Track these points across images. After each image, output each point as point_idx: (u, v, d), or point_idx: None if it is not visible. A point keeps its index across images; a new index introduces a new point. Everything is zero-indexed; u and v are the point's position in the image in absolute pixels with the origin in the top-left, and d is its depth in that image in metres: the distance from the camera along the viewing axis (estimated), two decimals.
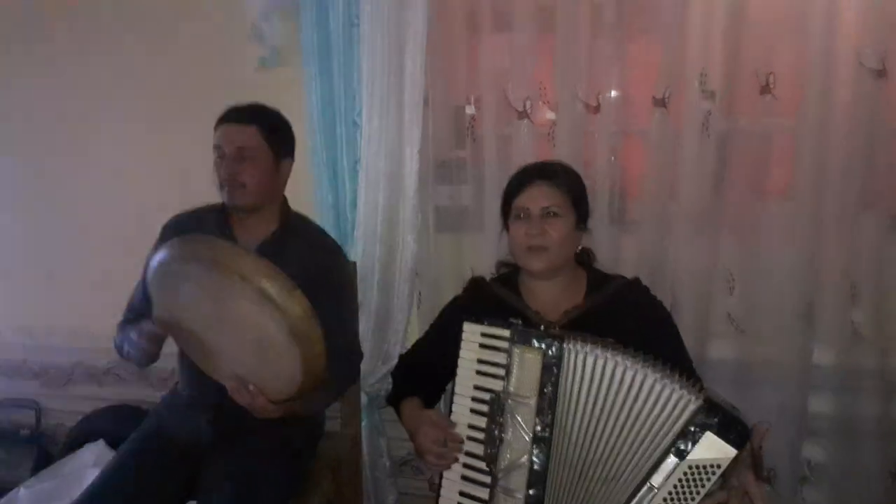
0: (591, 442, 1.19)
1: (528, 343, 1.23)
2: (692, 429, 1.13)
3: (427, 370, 1.51)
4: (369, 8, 1.84)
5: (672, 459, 1.14)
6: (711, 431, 1.12)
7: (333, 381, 1.58)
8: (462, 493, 1.28)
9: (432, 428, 1.31)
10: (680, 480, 1.13)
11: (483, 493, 1.25)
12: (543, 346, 1.22)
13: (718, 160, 1.81)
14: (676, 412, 1.14)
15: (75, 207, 2.38)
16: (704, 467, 1.12)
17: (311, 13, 1.90)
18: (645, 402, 1.16)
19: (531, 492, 1.20)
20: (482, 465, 1.25)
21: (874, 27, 1.67)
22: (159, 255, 1.37)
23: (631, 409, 1.17)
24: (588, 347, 1.19)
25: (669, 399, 1.15)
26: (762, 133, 1.79)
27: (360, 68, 1.88)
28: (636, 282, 1.52)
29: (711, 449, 1.12)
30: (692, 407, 1.14)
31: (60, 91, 2.33)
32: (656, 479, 1.15)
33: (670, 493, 1.14)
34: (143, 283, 1.66)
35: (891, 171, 1.75)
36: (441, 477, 1.31)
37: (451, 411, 1.31)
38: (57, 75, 2.32)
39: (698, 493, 1.13)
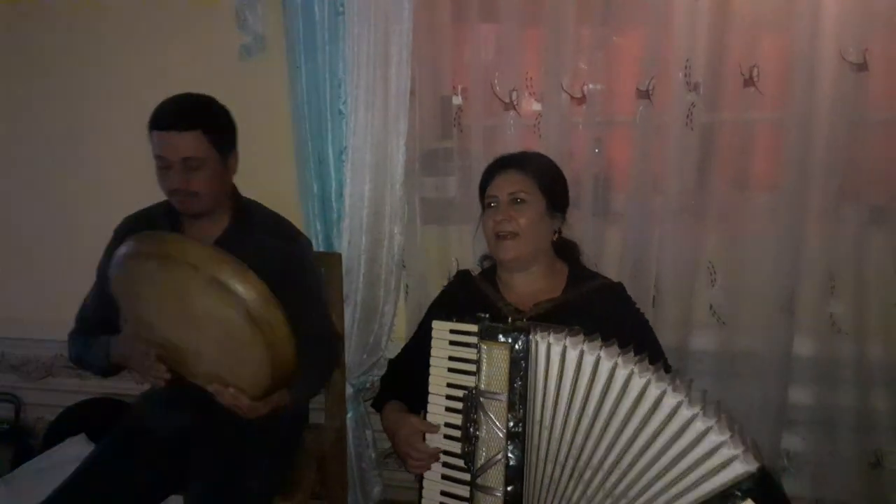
0: (574, 437, 1.12)
1: (494, 338, 1.21)
2: (737, 493, 0.99)
3: (413, 373, 1.48)
4: None
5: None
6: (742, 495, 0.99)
7: (313, 367, 1.56)
8: (444, 493, 1.28)
9: (411, 430, 1.31)
10: None
11: (464, 492, 1.25)
12: (510, 339, 1.19)
13: (702, 152, 1.82)
14: (718, 461, 1.00)
15: (56, 200, 2.34)
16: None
17: (296, 0, 1.88)
18: (666, 423, 1.04)
19: (509, 488, 1.19)
20: (460, 463, 1.25)
21: (855, 22, 1.69)
22: (115, 262, 1.34)
23: (643, 422, 1.06)
24: (556, 338, 1.14)
25: (714, 449, 1.00)
26: (745, 125, 1.80)
27: (346, 57, 1.86)
28: (618, 286, 1.51)
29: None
30: (740, 468, 0.99)
31: (47, 85, 2.29)
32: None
33: None
34: (97, 291, 1.63)
35: (871, 163, 1.77)
36: (422, 478, 1.31)
37: (426, 411, 1.30)
38: (42, 70, 2.28)
39: None
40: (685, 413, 1.03)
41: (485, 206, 1.51)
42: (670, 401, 1.04)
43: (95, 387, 2.38)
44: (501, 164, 1.51)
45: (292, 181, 1.99)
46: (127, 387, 2.31)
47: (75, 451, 2.08)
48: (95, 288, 1.65)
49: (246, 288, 1.22)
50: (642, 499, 1.07)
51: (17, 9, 2.26)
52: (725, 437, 1.00)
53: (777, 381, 1.86)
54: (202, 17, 2.11)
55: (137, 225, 1.64)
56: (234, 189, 1.64)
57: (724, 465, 1.00)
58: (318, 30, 1.87)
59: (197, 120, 1.47)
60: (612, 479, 1.10)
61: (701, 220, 1.87)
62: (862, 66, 1.70)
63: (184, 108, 1.49)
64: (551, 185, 1.48)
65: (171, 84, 2.12)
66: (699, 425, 1.02)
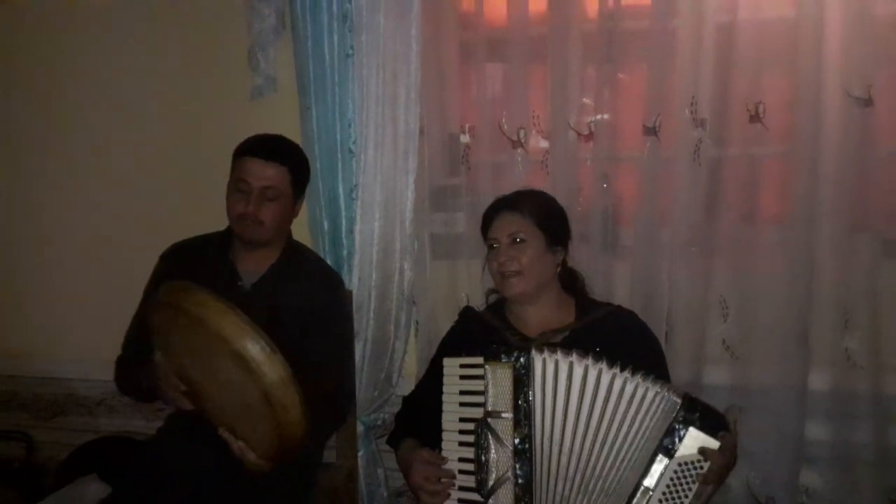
0: (580, 450, 1.20)
1: (497, 359, 1.26)
2: (676, 426, 1.17)
3: (426, 409, 1.50)
4: (363, 38, 1.87)
5: (662, 459, 1.18)
6: (695, 426, 1.17)
7: (320, 422, 1.58)
8: None
9: (424, 465, 1.32)
10: (672, 479, 1.17)
11: None
12: (512, 358, 1.24)
13: (710, 187, 1.83)
14: (659, 412, 1.20)
15: (67, 237, 2.37)
16: (692, 463, 1.17)
17: (306, 43, 1.92)
18: (628, 406, 1.20)
19: None
20: (475, 496, 1.25)
21: (860, 57, 1.70)
22: (153, 297, 1.38)
23: (614, 413, 1.20)
24: (554, 355, 1.23)
25: (653, 401, 1.20)
26: (753, 160, 1.81)
27: (355, 98, 1.90)
28: (623, 310, 1.55)
29: (696, 443, 1.17)
30: (672, 405, 1.19)
31: (51, 121, 2.33)
32: (649, 482, 1.18)
33: (664, 494, 1.17)
34: (140, 316, 1.66)
35: (880, 196, 1.77)
36: None
37: (441, 448, 1.31)
38: (51, 101, 2.33)
39: (690, 489, 1.16)
40: (629, 388, 1.22)
41: (487, 247, 1.54)
42: (630, 385, 1.22)
43: (107, 425, 2.39)
44: (498, 207, 1.55)
45: (303, 219, 2.00)
46: (139, 424, 2.33)
47: (87, 490, 2.07)
48: (140, 310, 1.68)
49: (269, 370, 1.24)
50: (623, 479, 1.20)
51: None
52: (657, 388, 1.20)
53: (793, 417, 1.83)
54: (215, 58, 2.16)
55: (186, 251, 1.70)
56: (289, 231, 1.73)
57: (661, 411, 1.20)
58: (327, 72, 1.91)
59: (287, 158, 1.62)
60: (609, 478, 1.21)
61: (711, 255, 1.86)
62: (867, 102, 1.70)
63: (279, 143, 1.64)
64: (548, 221, 1.52)
65: (185, 122, 2.20)
66: (640, 391, 1.21)
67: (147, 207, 2.26)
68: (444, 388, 1.31)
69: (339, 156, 1.95)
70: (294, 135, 1.97)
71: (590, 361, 1.22)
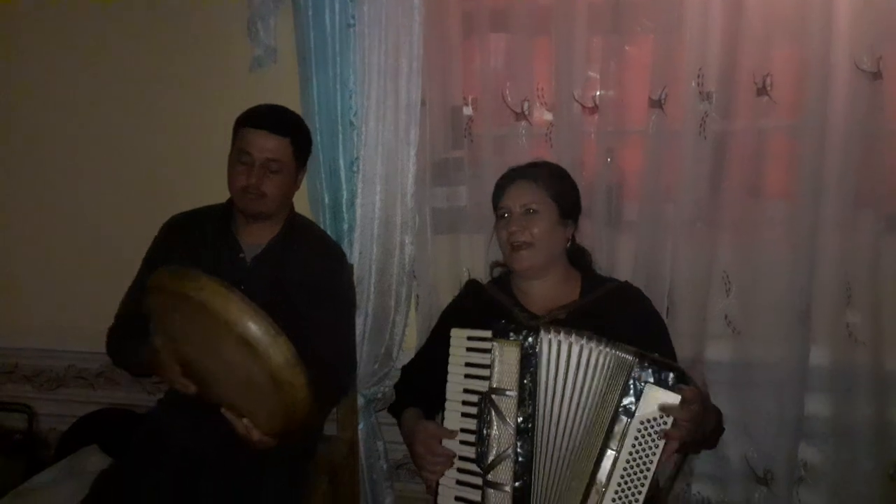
0: (578, 430, 1.21)
1: (505, 336, 1.25)
2: (631, 384, 1.16)
3: (428, 378, 1.50)
4: (365, 8, 1.84)
5: (622, 419, 1.17)
6: (651, 382, 1.16)
7: (322, 397, 1.58)
8: (457, 499, 1.28)
9: (426, 437, 1.32)
10: (636, 439, 1.16)
11: (477, 496, 1.26)
12: (521, 337, 1.24)
13: (715, 161, 1.81)
14: (617, 374, 1.19)
15: (67, 210, 2.35)
16: (654, 419, 1.16)
17: (307, 13, 1.88)
18: (594, 374, 1.21)
19: (517, 484, 1.21)
20: (475, 468, 1.26)
21: (869, 30, 1.67)
22: (153, 279, 1.37)
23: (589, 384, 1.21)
24: (563, 336, 1.22)
25: (610, 365, 1.20)
26: (759, 134, 1.79)
27: (356, 69, 1.87)
28: (628, 285, 1.54)
29: (655, 399, 1.16)
30: (626, 363, 1.18)
31: (56, 93, 2.30)
32: (614, 444, 1.17)
33: (630, 455, 1.16)
34: (137, 286, 1.65)
35: (886, 171, 1.75)
36: (437, 484, 1.31)
37: (443, 419, 1.31)
38: (51, 78, 2.29)
39: (656, 445, 1.15)
40: (585, 353, 1.22)
41: (498, 216, 1.52)
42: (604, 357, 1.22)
43: (108, 397, 2.39)
44: (512, 176, 1.53)
45: (304, 192, 1.99)
46: (139, 397, 2.34)
47: (88, 461, 2.08)
48: (138, 280, 1.67)
49: (275, 352, 1.24)
50: (588, 441, 1.20)
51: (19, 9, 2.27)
52: (607, 349, 1.21)
53: (793, 392, 1.84)
54: (214, 29, 2.12)
55: (187, 225, 1.69)
56: (291, 204, 1.72)
57: (616, 372, 1.20)
58: (329, 42, 1.88)
59: (290, 129, 1.60)
60: (584, 449, 1.21)
61: (715, 230, 1.85)
62: (876, 75, 1.68)
63: (281, 115, 1.62)
64: (562, 193, 1.50)
65: (184, 94, 2.16)
66: (594, 356, 1.22)
67: (146, 179, 2.24)
68: (450, 359, 1.31)
69: (340, 128, 1.92)
70: (294, 106, 1.94)
71: (604, 347, 1.21)
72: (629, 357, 1.19)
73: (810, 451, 1.91)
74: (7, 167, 2.38)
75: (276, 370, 1.24)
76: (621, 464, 1.16)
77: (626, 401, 1.17)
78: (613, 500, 1.16)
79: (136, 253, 1.72)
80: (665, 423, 1.15)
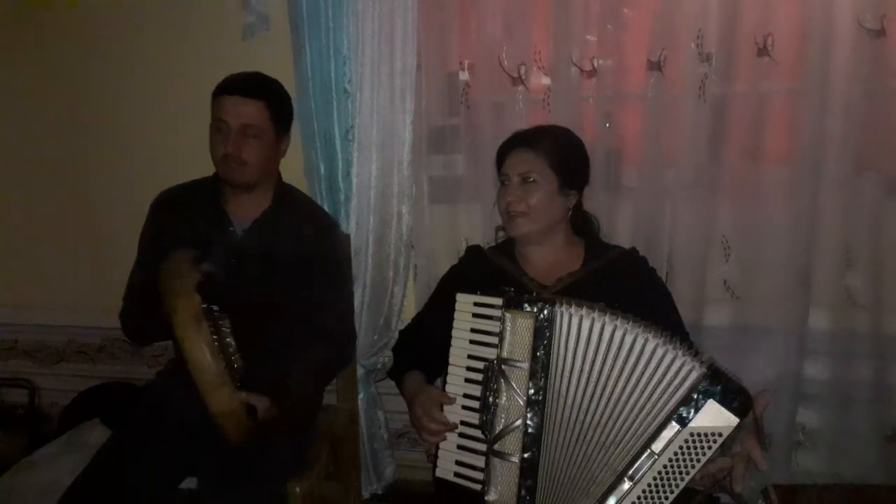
0: (588, 404, 1.17)
1: (519, 307, 1.22)
2: (695, 396, 1.11)
3: (428, 342, 1.49)
4: None
5: (674, 426, 1.12)
6: (714, 399, 1.10)
7: (319, 364, 1.59)
8: (458, 463, 1.28)
9: (427, 400, 1.31)
10: (681, 447, 1.12)
11: (479, 461, 1.25)
12: (535, 309, 1.21)
13: (715, 125, 1.79)
14: (679, 379, 1.13)
15: (67, 186, 2.33)
16: (706, 435, 1.11)
17: None
18: (646, 366, 1.15)
19: (526, 455, 1.20)
20: (478, 433, 1.25)
21: None
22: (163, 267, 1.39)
23: (632, 372, 1.15)
24: (578, 310, 1.18)
25: (671, 365, 1.13)
26: (759, 96, 1.76)
27: (350, 34, 1.83)
28: (633, 252, 1.51)
29: (714, 417, 1.10)
30: (695, 374, 1.12)
31: (48, 69, 2.26)
32: (657, 446, 1.13)
33: (671, 460, 1.13)
34: (139, 263, 1.64)
35: (889, 133, 1.73)
36: (437, 447, 1.31)
37: (445, 382, 1.30)
38: (44, 54, 2.26)
39: (699, 460, 1.11)
40: (650, 345, 1.15)
41: (500, 182, 1.50)
42: (650, 344, 1.15)
43: (108, 371, 2.40)
44: (513, 143, 1.48)
45: (299, 163, 1.97)
46: (139, 371, 2.34)
47: (90, 434, 2.09)
48: (138, 260, 1.67)
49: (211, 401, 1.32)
50: (626, 438, 1.15)
51: None
52: (677, 352, 1.13)
53: (792, 356, 1.84)
54: None
55: (175, 199, 1.66)
56: (279, 174, 1.68)
57: (682, 378, 1.13)
58: (321, 7, 1.83)
59: (264, 92, 1.55)
60: (607, 431, 1.17)
61: (714, 194, 1.84)
62: (880, 33, 1.65)
63: (254, 79, 1.57)
64: (564, 163, 1.45)
65: (174, 63, 2.13)
66: (660, 351, 1.14)
67: (138, 150, 2.22)
68: (455, 324, 1.28)
69: (334, 96, 1.89)
70: (287, 75, 1.92)
71: (618, 321, 1.17)
72: (696, 364, 1.13)
73: (808, 415, 1.92)
74: (5, 143, 2.36)
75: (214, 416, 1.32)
76: (657, 467, 1.13)
77: (683, 410, 1.11)
78: (640, 497, 1.14)
79: (135, 227, 1.71)
80: (715, 441, 1.10)
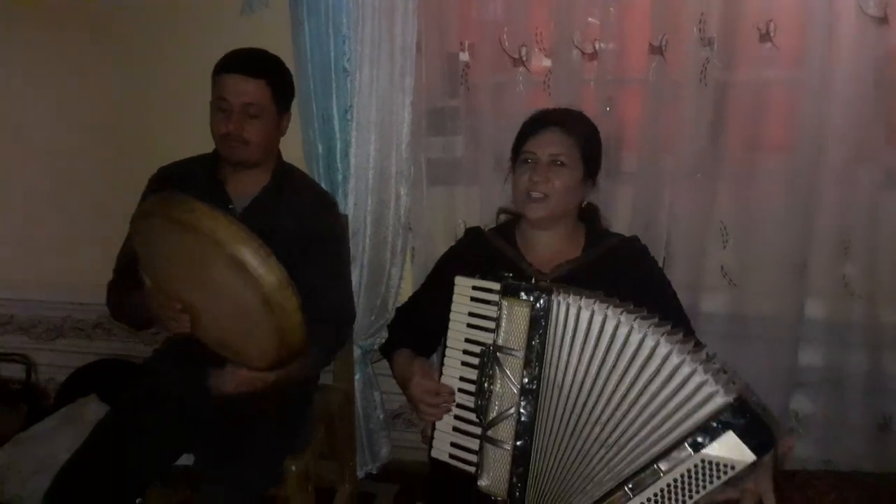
0: (586, 399, 1.15)
1: (516, 295, 1.21)
2: (714, 424, 1.05)
3: (423, 321, 1.50)
4: None
5: (686, 449, 1.07)
6: (735, 432, 1.04)
7: (321, 344, 1.59)
8: (453, 444, 1.28)
9: (424, 378, 1.31)
10: (689, 471, 1.08)
11: (473, 444, 1.25)
12: (531, 298, 1.19)
13: (716, 111, 1.78)
14: (698, 398, 1.06)
15: (63, 162, 2.32)
16: (717, 465, 1.06)
17: None
18: (657, 371, 1.09)
19: (518, 443, 1.20)
20: (473, 416, 1.25)
21: None
22: (140, 211, 1.35)
23: (638, 374, 1.10)
24: (575, 300, 1.16)
25: (689, 380, 1.07)
26: (760, 83, 1.75)
27: (349, 11, 1.81)
28: (634, 239, 1.50)
29: (730, 449, 1.05)
30: (720, 401, 1.05)
31: (46, 40, 2.25)
32: (664, 464, 1.09)
33: (675, 481, 1.08)
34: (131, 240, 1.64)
35: (889, 122, 1.72)
36: (433, 428, 1.31)
37: (442, 363, 1.30)
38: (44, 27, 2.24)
39: (704, 487, 1.07)
40: (674, 360, 1.08)
41: (519, 160, 1.44)
42: (662, 350, 1.09)
43: (105, 348, 2.40)
44: (546, 121, 1.43)
45: (297, 142, 1.96)
46: (136, 348, 2.35)
47: (87, 409, 2.10)
48: (129, 235, 1.66)
49: (266, 272, 1.23)
50: (631, 444, 1.12)
51: None
52: (706, 376, 1.06)
53: (788, 344, 1.85)
54: None
55: (174, 175, 1.65)
56: (279, 152, 1.68)
57: (704, 402, 1.06)
58: None
59: (265, 70, 1.54)
60: (608, 430, 1.13)
61: (714, 181, 1.83)
62: (882, 20, 1.64)
63: (255, 57, 1.55)
64: (592, 152, 1.43)
65: (173, 39, 2.11)
66: (685, 369, 1.07)
67: (137, 127, 2.21)
68: (453, 307, 1.28)
69: (333, 75, 1.88)
70: (286, 52, 1.90)
71: (621, 315, 1.12)
72: (721, 390, 1.05)
73: (802, 403, 1.93)
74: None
75: (269, 292, 1.23)
76: (661, 484, 1.09)
77: (699, 436, 1.05)
78: None
79: (129, 204, 1.69)
80: (725, 473, 1.05)
